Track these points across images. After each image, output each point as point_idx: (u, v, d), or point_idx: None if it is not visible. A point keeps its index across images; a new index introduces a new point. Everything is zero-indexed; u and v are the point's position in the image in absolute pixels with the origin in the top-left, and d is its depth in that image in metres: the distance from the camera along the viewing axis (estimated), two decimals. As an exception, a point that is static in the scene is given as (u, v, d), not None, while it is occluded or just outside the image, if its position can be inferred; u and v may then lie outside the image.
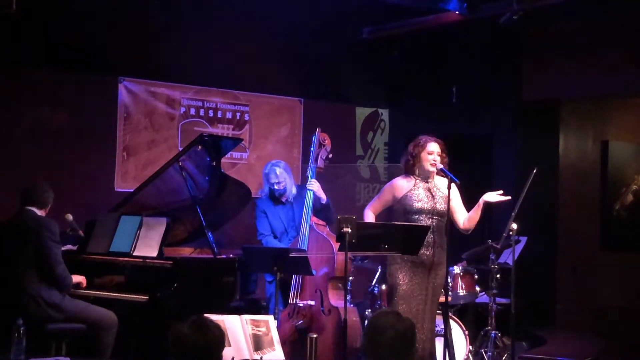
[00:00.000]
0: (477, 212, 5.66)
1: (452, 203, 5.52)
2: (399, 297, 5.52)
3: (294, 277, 6.09)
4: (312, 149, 6.34)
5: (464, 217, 5.72)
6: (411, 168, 5.71)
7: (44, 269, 5.53)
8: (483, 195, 5.65)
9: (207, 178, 6.37)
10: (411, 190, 5.64)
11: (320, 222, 6.25)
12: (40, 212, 5.67)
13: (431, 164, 5.60)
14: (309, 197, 6.22)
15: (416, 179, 5.68)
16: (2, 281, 5.59)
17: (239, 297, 6.09)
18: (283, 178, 6.48)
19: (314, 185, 6.26)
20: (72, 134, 7.18)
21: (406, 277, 5.54)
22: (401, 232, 5.30)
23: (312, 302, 6.01)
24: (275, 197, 6.54)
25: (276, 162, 6.58)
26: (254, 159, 8.17)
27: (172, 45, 7.55)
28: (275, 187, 6.48)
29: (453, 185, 5.60)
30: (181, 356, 3.39)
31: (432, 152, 5.62)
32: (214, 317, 3.80)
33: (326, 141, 6.32)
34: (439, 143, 5.68)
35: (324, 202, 6.34)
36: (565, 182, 8.44)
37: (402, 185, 5.70)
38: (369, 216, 5.77)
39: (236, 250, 6.16)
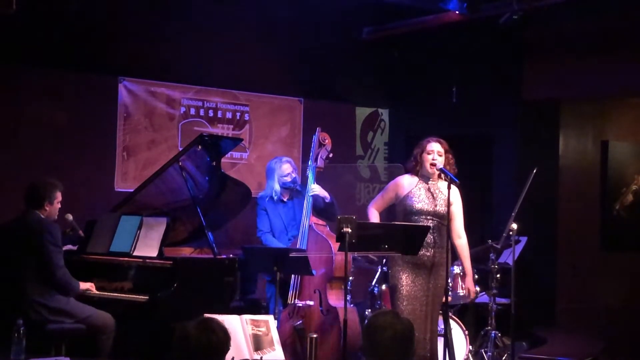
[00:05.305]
0: (466, 265, 5.83)
1: (451, 208, 5.51)
2: (402, 298, 5.52)
3: (292, 277, 6.09)
4: (312, 148, 6.34)
5: (458, 229, 5.73)
6: (414, 169, 5.73)
7: (45, 272, 5.54)
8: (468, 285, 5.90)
9: (207, 178, 6.37)
10: (412, 190, 5.64)
11: (320, 222, 6.25)
12: (42, 212, 5.65)
13: (430, 164, 5.60)
14: (309, 199, 6.22)
15: (419, 179, 5.69)
16: (3, 283, 5.59)
17: (239, 297, 6.09)
18: (292, 169, 6.52)
19: (316, 189, 6.25)
20: (72, 134, 7.18)
21: (409, 278, 5.54)
22: (401, 232, 5.29)
23: (311, 303, 6.00)
24: (278, 198, 6.53)
25: (284, 157, 6.62)
26: (254, 159, 8.17)
27: (172, 45, 7.55)
28: (286, 179, 6.46)
29: (455, 190, 5.61)
30: (184, 357, 3.38)
31: (432, 151, 5.62)
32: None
33: (326, 141, 6.32)
34: (441, 143, 5.67)
35: (328, 200, 6.33)
36: (565, 182, 8.44)
37: (405, 183, 5.71)
38: (374, 214, 5.77)
39: (236, 250, 6.16)
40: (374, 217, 5.75)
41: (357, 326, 5.92)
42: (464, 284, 6.03)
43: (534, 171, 6.22)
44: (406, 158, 5.88)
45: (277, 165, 6.52)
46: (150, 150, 7.60)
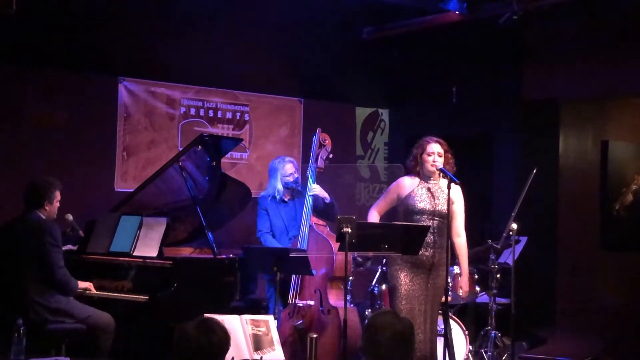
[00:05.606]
0: (463, 263, 5.84)
1: (453, 207, 5.51)
2: (401, 297, 5.54)
3: (293, 277, 6.10)
4: (312, 149, 6.34)
5: (458, 228, 5.74)
6: (414, 169, 5.74)
7: (45, 272, 5.53)
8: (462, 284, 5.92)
9: (207, 178, 6.37)
10: (415, 189, 5.66)
11: (321, 222, 6.25)
12: (42, 212, 5.65)
13: (431, 165, 5.61)
14: (309, 199, 6.23)
15: (420, 180, 5.71)
16: (3, 283, 5.58)
17: (239, 297, 6.10)
18: (294, 169, 6.54)
19: (316, 189, 6.26)
20: (72, 134, 7.18)
21: (407, 277, 5.55)
22: (401, 232, 5.30)
23: (312, 302, 6.00)
24: (280, 198, 6.53)
25: (286, 157, 6.63)
26: (254, 159, 8.17)
27: (172, 45, 7.55)
28: (288, 179, 6.48)
29: (457, 189, 5.61)
30: (184, 357, 3.38)
31: (432, 152, 5.63)
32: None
33: (327, 141, 6.32)
34: (441, 144, 5.68)
35: (328, 201, 6.34)
36: (565, 182, 8.43)
37: (407, 184, 5.73)
38: (373, 216, 5.77)
39: (236, 250, 6.17)
40: (374, 219, 5.75)
41: (357, 326, 5.92)
42: (459, 282, 6.03)
43: (534, 171, 6.22)
44: (406, 158, 5.88)
45: (280, 165, 6.53)
46: (150, 150, 7.61)
